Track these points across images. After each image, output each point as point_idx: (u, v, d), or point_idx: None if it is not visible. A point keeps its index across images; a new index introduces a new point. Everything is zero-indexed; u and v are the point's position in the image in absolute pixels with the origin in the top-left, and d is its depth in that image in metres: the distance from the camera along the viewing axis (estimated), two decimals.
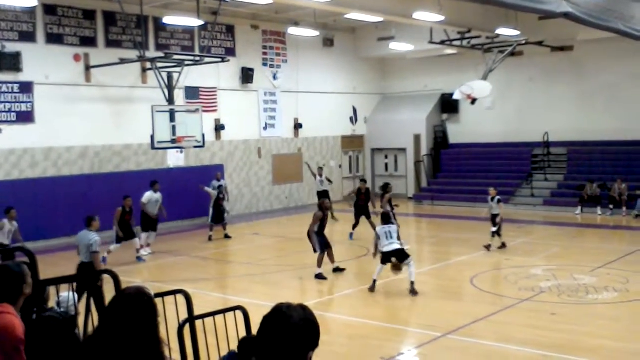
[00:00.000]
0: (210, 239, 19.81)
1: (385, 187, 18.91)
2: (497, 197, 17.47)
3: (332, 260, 14.90)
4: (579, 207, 23.59)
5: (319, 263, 14.59)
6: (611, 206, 23.09)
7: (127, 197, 17.07)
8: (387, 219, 13.72)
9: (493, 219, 17.38)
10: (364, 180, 21.60)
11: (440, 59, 28.91)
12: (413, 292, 12.68)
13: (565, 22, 19.85)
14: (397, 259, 12.84)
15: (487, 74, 24.45)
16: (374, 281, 13.00)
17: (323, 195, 23.32)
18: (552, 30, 23.75)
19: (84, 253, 11.30)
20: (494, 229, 17.25)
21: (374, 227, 18.70)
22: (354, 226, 19.73)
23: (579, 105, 26.38)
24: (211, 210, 20.11)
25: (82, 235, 11.51)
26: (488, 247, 17.12)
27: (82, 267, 11.29)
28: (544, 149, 26.85)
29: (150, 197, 17.81)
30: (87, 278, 9.25)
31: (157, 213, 17.93)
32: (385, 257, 13.00)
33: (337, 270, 14.99)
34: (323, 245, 14.65)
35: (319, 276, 14.51)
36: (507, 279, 14.10)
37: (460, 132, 29.77)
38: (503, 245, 17.29)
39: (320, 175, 24.06)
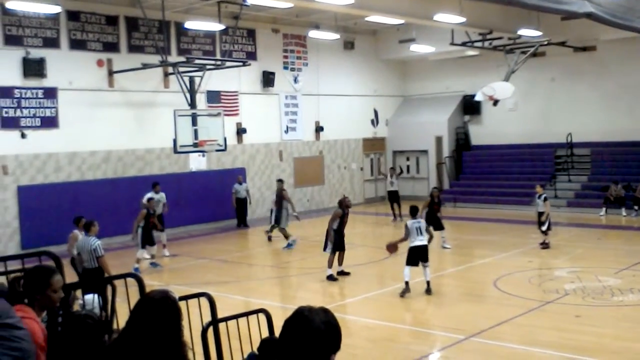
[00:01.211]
0: (269, 239, 20.12)
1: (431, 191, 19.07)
2: (544, 195, 17.83)
3: (340, 262, 14.88)
4: (603, 208, 23.37)
5: (330, 264, 14.61)
6: (636, 207, 22.86)
7: (152, 198, 17.16)
8: (414, 213, 13.42)
9: (539, 217, 17.68)
10: (280, 180, 20.77)
11: (462, 61, 28.80)
12: (429, 291, 12.91)
13: (588, 22, 19.71)
14: (421, 257, 12.97)
15: (509, 75, 24.31)
16: (407, 283, 12.91)
17: (393, 195, 23.44)
18: (575, 30, 23.56)
19: (88, 260, 11.13)
20: (545, 228, 17.49)
21: (286, 236, 18.76)
22: (280, 230, 19.17)
23: (602, 105, 26.14)
24: (274, 209, 19.60)
25: (82, 242, 11.33)
26: (544, 245, 17.47)
27: (86, 273, 11.14)
28: (567, 150, 26.63)
29: (149, 197, 17.72)
30: (94, 284, 9.30)
31: (161, 212, 18.23)
32: (413, 254, 12.96)
33: (342, 273, 14.95)
34: (336, 246, 14.63)
35: (330, 277, 14.54)
36: (530, 281, 14.01)
37: (482, 133, 29.61)
38: (546, 245, 17.50)
39: (391, 176, 24.13)
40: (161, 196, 18.45)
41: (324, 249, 14.82)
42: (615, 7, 18.67)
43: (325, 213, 25.76)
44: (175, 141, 19.07)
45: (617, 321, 10.92)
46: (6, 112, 18.56)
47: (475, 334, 10.29)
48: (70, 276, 5.75)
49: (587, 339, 9.96)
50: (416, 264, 12.98)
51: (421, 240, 12.99)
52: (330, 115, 27.90)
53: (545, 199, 17.76)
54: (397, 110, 31.48)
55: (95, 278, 10.36)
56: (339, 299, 13.40)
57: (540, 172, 26.90)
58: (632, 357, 9.18)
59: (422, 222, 13.33)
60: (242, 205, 23.10)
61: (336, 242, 14.62)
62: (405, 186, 30.90)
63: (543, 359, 9.35)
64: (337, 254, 14.74)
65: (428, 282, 12.99)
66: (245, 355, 4.30)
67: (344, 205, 14.87)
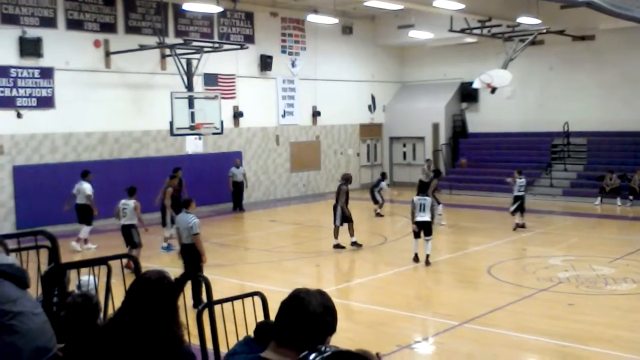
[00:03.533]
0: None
1: (437, 174, 20.31)
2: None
3: (352, 234, 16.07)
4: (599, 198, 23.42)
5: (354, 232, 16.04)
6: (631, 197, 22.89)
7: (178, 169, 17.48)
8: (424, 189, 14.95)
9: (522, 201, 18.66)
10: (177, 169, 18.30)
11: (460, 48, 28.73)
12: (427, 263, 14.11)
13: (587, 11, 19.68)
14: (424, 232, 14.14)
15: (508, 62, 24.25)
16: (415, 254, 14.27)
17: (425, 186, 23.02)
18: (574, 19, 23.52)
19: (185, 236, 11.54)
20: (514, 209, 18.58)
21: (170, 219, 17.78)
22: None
23: (599, 95, 26.13)
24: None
25: (181, 218, 11.74)
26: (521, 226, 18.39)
27: (183, 248, 11.66)
28: (563, 139, 26.64)
29: (91, 188, 16.84)
30: (190, 259, 11.39)
31: (83, 203, 16.94)
32: (417, 227, 14.22)
33: (356, 244, 16.15)
34: (346, 218, 15.93)
35: (355, 244, 16.01)
36: (525, 268, 14.05)
37: (479, 121, 29.61)
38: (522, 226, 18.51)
39: (428, 168, 23.93)
40: (86, 187, 16.85)
41: (336, 223, 15.99)
42: None
43: (321, 198, 25.81)
44: (171, 123, 19.01)
45: (610, 310, 10.97)
46: (2, 92, 18.47)
47: (468, 320, 10.34)
48: (65, 256, 5.72)
49: (580, 327, 10.01)
50: (419, 236, 14.20)
51: (422, 217, 14.18)
52: (328, 100, 27.84)
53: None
54: (394, 96, 31.43)
55: (190, 254, 11.41)
56: (333, 284, 13.44)
57: (537, 160, 26.95)
58: (624, 345, 9.23)
59: (427, 200, 14.37)
60: (238, 188, 23.13)
61: (346, 215, 15.87)
62: (401, 173, 30.96)
63: (536, 346, 9.40)
64: (347, 225, 15.99)
65: (427, 255, 14.10)
66: (241, 339, 4.31)
67: (349, 182, 16.39)
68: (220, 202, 23.30)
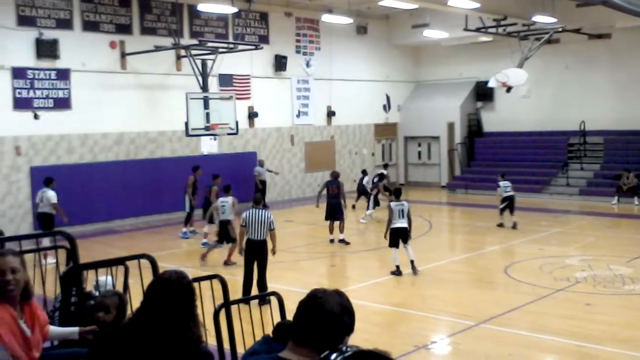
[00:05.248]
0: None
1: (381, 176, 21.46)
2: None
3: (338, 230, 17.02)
4: (616, 197, 23.25)
5: (343, 229, 16.85)
6: None
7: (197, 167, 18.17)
8: (399, 195, 14.12)
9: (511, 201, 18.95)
10: (197, 167, 18.68)
11: (475, 47, 28.62)
12: (414, 270, 13.34)
13: (603, 9, 19.53)
14: (402, 238, 13.43)
15: (523, 61, 24.14)
16: (397, 267, 13.38)
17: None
18: (590, 17, 23.37)
19: (260, 231, 11.52)
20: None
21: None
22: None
23: (616, 93, 25.95)
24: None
25: (255, 214, 11.61)
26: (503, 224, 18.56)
27: (256, 244, 11.62)
28: (580, 138, 26.48)
29: (55, 196, 15.82)
30: (263, 255, 11.61)
31: (49, 212, 15.90)
32: (393, 235, 13.47)
33: (334, 241, 16.99)
34: None
35: (344, 240, 16.77)
36: (541, 268, 13.97)
37: (494, 120, 29.48)
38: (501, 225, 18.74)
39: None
40: (51, 195, 15.78)
41: (343, 219, 16.95)
42: None
43: None
44: (187, 124, 19.07)
45: (627, 310, 10.90)
46: (19, 93, 18.62)
47: (485, 320, 10.30)
48: (84, 256, 5.75)
49: (597, 327, 9.95)
50: (397, 245, 13.43)
51: (402, 223, 13.45)
52: (342, 100, 27.84)
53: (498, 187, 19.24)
54: (409, 95, 31.37)
55: (263, 250, 11.59)
56: (348, 284, 13.42)
57: (553, 159, 26.79)
58: None
59: (405, 205, 13.65)
60: (265, 187, 23.30)
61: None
62: (416, 173, 30.89)
63: (553, 346, 9.35)
64: (339, 222, 16.95)
65: (412, 262, 13.39)
66: (259, 338, 4.32)
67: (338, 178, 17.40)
68: (240, 201, 23.30)
